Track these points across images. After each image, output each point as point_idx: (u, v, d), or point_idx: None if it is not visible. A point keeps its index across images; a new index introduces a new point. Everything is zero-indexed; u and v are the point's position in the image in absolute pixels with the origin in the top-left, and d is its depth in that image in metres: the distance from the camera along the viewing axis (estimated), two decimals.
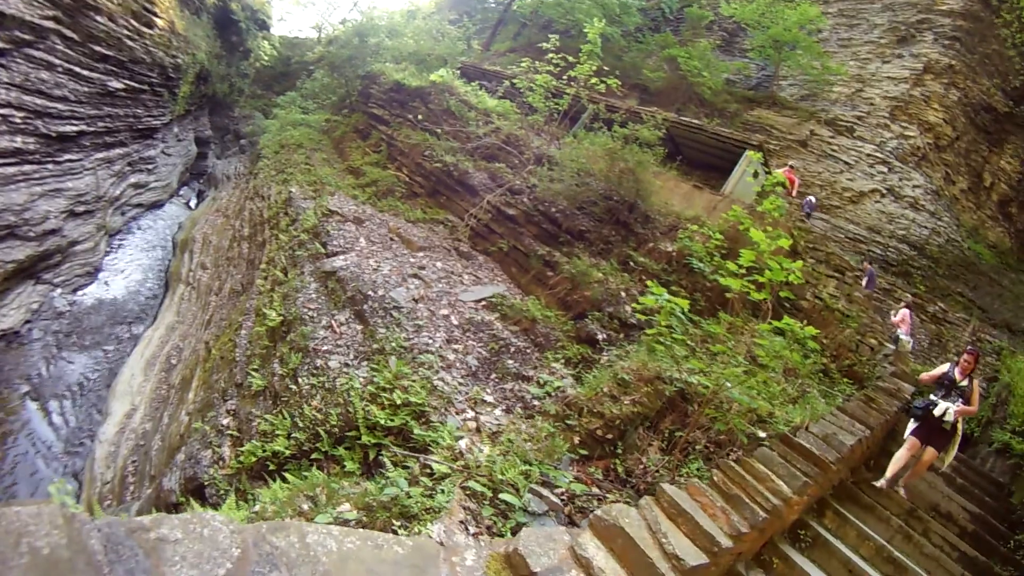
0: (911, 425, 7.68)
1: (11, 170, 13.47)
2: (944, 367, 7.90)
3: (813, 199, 18.04)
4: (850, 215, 19.81)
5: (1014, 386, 10.76)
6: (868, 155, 20.58)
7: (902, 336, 12.37)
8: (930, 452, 7.39)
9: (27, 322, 13.82)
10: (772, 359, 6.77)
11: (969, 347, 7.56)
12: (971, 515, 7.78)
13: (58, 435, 11.83)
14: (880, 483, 7.35)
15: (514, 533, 4.66)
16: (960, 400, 7.38)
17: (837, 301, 12.95)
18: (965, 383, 7.44)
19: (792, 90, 24.22)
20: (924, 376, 8.28)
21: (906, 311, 13.08)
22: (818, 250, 15.86)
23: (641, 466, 6.41)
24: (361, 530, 2.72)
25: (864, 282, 15.18)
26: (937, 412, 7.33)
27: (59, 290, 15.21)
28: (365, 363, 8.62)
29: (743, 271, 6.51)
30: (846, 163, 20.81)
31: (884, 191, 19.88)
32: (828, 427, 6.53)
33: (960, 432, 7.35)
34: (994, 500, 8.51)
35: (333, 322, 9.75)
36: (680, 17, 29.95)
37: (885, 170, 20.13)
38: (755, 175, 14.91)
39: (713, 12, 28.31)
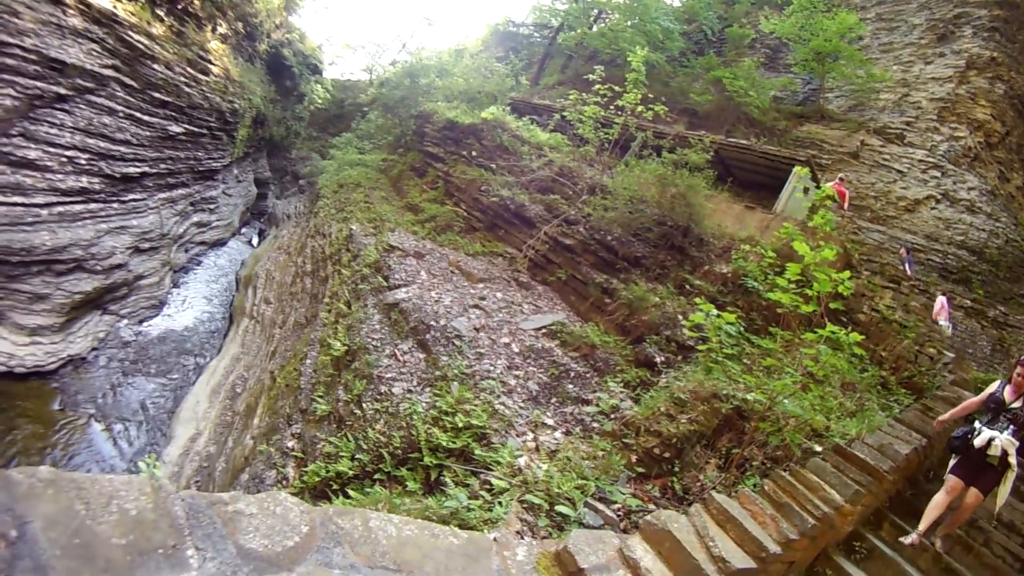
0: (951, 461, 6.19)
1: (78, 208, 14.45)
2: (993, 386, 6.32)
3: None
4: (906, 224, 19.26)
5: None
6: (920, 161, 20.07)
7: (941, 322, 12.74)
8: (973, 495, 5.85)
9: (94, 349, 14.61)
10: (826, 372, 6.75)
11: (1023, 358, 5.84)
12: None
13: (122, 456, 12.28)
14: (910, 539, 5.94)
15: None
16: (1012, 427, 5.80)
17: (894, 312, 12.65)
18: (1019, 404, 5.85)
19: (839, 102, 23.86)
20: (965, 405, 6.63)
21: (943, 299, 13.48)
22: (873, 262, 15.54)
23: (698, 483, 6.41)
24: (420, 520, 2.93)
25: (905, 266, 15.13)
26: (978, 443, 5.80)
27: (125, 320, 16.05)
28: (428, 389, 8.85)
29: (791, 285, 6.55)
30: (899, 171, 20.33)
31: (939, 196, 19.31)
32: (884, 438, 6.46)
33: (1015, 467, 5.77)
34: None
35: (396, 351, 10.06)
36: (722, 38, 29.96)
37: (938, 175, 19.59)
38: (805, 191, 14.79)
39: (754, 30, 28.32)
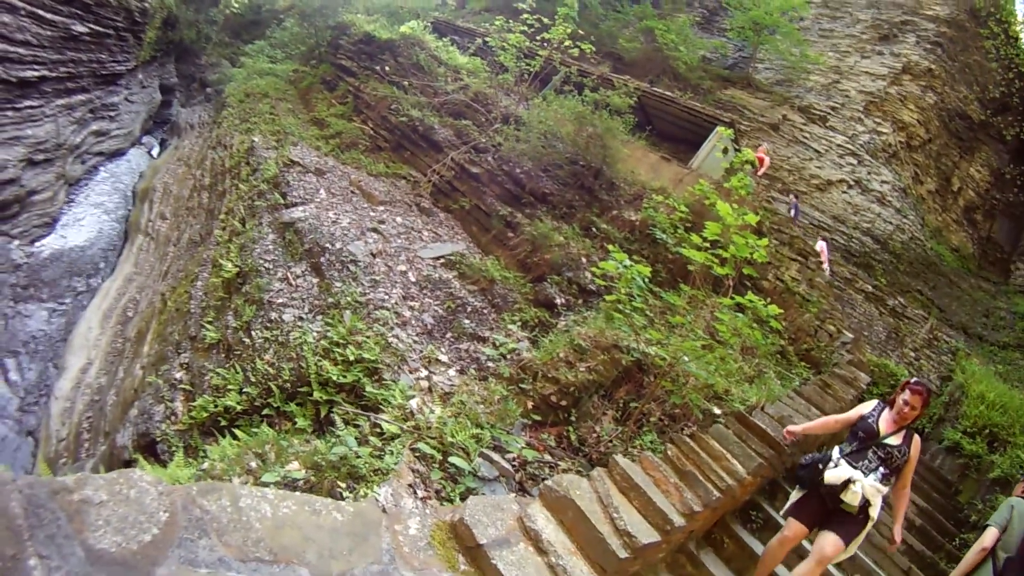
0: (793, 495, 4.84)
1: None
2: (865, 407, 4.86)
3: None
4: (816, 202, 20.00)
5: (967, 387, 10.84)
6: (839, 145, 20.73)
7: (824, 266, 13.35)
8: (830, 542, 4.32)
9: None
10: (732, 336, 6.74)
11: (914, 382, 4.52)
12: (919, 510, 7.86)
13: (14, 392, 11.49)
14: None
15: (463, 499, 4.58)
16: (882, 469, 4.39)
17: (799, 285, 13.10)
18: (896, 441, 4.45)
19: (768, 74, 24.14)
20: (825, 422, 5.29)
21: (823, 243, 14.35)
22: (783, 232, 16.04)
23: (594, 435, 6.43)
24: (298, 494, 2.62)
25: (792, 213, 15.88)
26: (830, 478, 4.42)
27: (16, 241, 14.62)
28: (320, 317, 8.51)
29: (707, 244, 6.49)
30: (816, 151, 20.94)
31: (852, 182, 20.07)
32: (784, 409, 6.50)
33: (874, 519, 4.41)
34: (942, 497, 8.68)
35: (289, 274, 9.59)
36: None
37: (855, 162, 20.31)
38: (724, 151, 14.96)
39: None
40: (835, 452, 4.64)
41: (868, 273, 18.28)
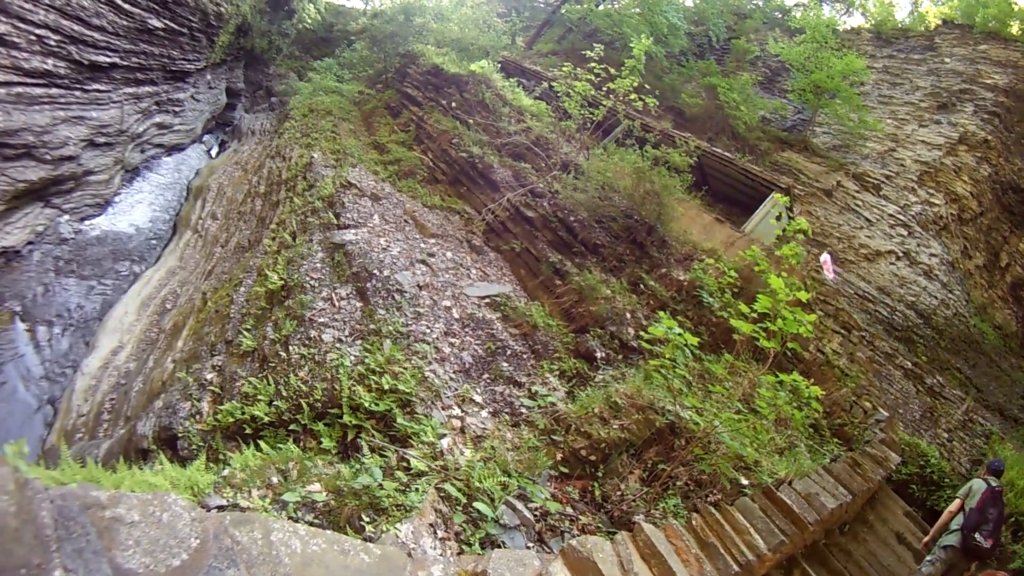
0: None
1: (38, 91, 13.33)
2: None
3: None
4: (863, 272, 19.61)
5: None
6: (890, 215, 20.42)
7: (827, 275, 13.60)
8: None
9: (29, 243, 13.69)
10: (769, 410, 6.63)
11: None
12: None
13: (42, 360, 11.67)
14: None
15: (483, 545, 4.57)
16: None
17: (839, 358, 12.79)
18: None
19: (825, 138, 24.05)
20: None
21: (827, 255, 14.19)
22: (828, 304, 15.68)
23: (619, 492, 6.31)
24: (328, 533, 2.61)
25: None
26: None
27: (67, 216, 15.06)
28: (359, 342, 8.49)
29: (755, 315, 6.40)
30: (867, 220, 20.65)
31: (900, 254, 19.69)
32: (812, 486, 6.44)
33: None
34: None
35: (333, 295, 9.63)
36: (726, 48, 29.89)
37: (905, 233, 19.97)
38: (778, 218, 14.80)
39: (760, 48, 28.32)
40: None
41: (909, 348, 17.77)
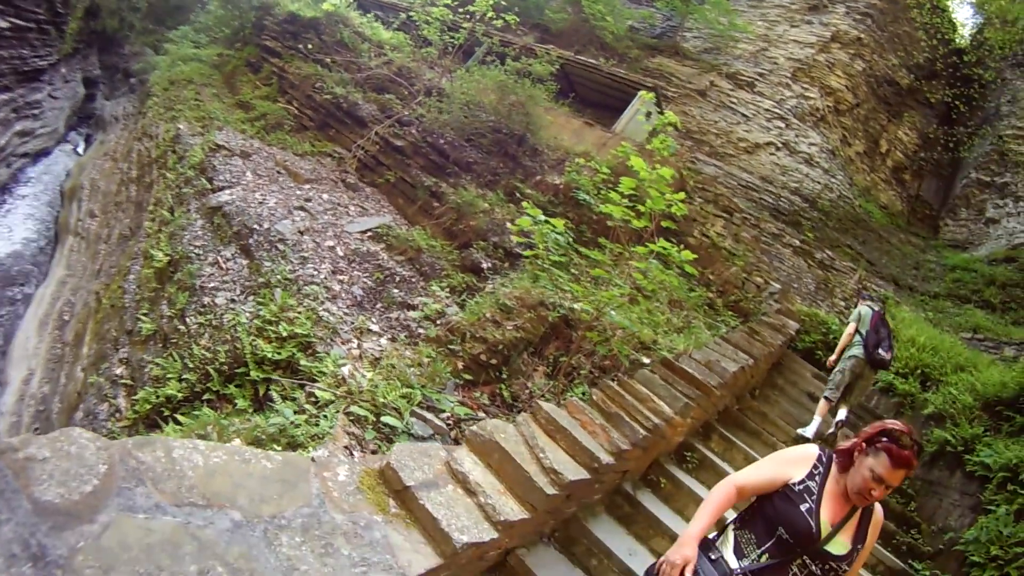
0: None
1: None
2: (798, 460, 2.70)
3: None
4: (744, 164, 20.46)
5: (897, 332, 11.36)
6: (766, 110, 21.18)
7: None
8: None
9: None
10: (655, 287, 6.97)
11: (899, 438, 2.41)
12: None
13: None
14: None
15: None
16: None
17: (724, 240, 13.52)
18: (843, 546, 2.49)
19: (696, 42, 24.38)
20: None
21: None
22: (707, 190, 16.53)
23: (527, 391, 6.63)
24: (228, 445, 2.72)
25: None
26: None
27: None
28: (251, 298, 8.58)
29: (624, 199, 6.75)
30: (743, 115, 21.38)
31: (779, 145, 20.56)
32: (711, 354, 6.64)
33: None
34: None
35: (219, 258, 9.63)
36: None
37: (782, 126, 20.82)
38: (648, 115, 15.36)
39: None
40: (726, 554, 2.66)
41: (797, 230, 18.86)
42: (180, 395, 7.24)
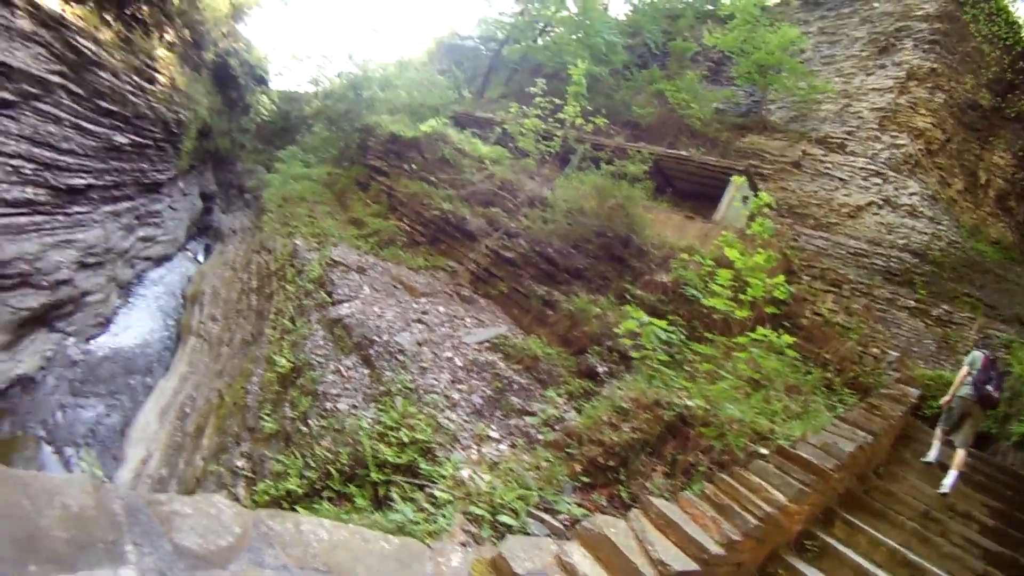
0: None
1: (23, 220, 13.83)
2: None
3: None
4: (850, 230, 19.80)
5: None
6: (861, 168, 20.65)
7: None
8: None
9: (42, 369, 14.03)
10: (768, 375, 6.85)
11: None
12: (991, 511, 7.57)
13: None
14: None
15: None
16: None
17: (836, 315, 12.98)
18: None
19: (781, 113, 24.33)
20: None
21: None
22: (813, 267, 16.03)
23: (645, 491, 6.44)
24: (351, 526, 2.93)
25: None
26: None
27: (72, 339, 15.37)
28: (373, 404, 8.87)
29: (725, 290, 6.73)
30: (840, 179, 20.87)
31: (881, 202, 19.85)
32: (828, 437, 6.47)
33: None
34: (1015, 493, 8.33)
35: (341, 367, 10.05)
36: (665, 52, 30.10)
37: (880, 181, 20.18)
38: (744, 200, 15.28)
39: (697, 43, 28.54)
40: None
41: (910, 289, 17.84)
42: (300, 490, 7.45)
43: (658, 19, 30.67)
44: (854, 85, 22.69)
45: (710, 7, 31.57)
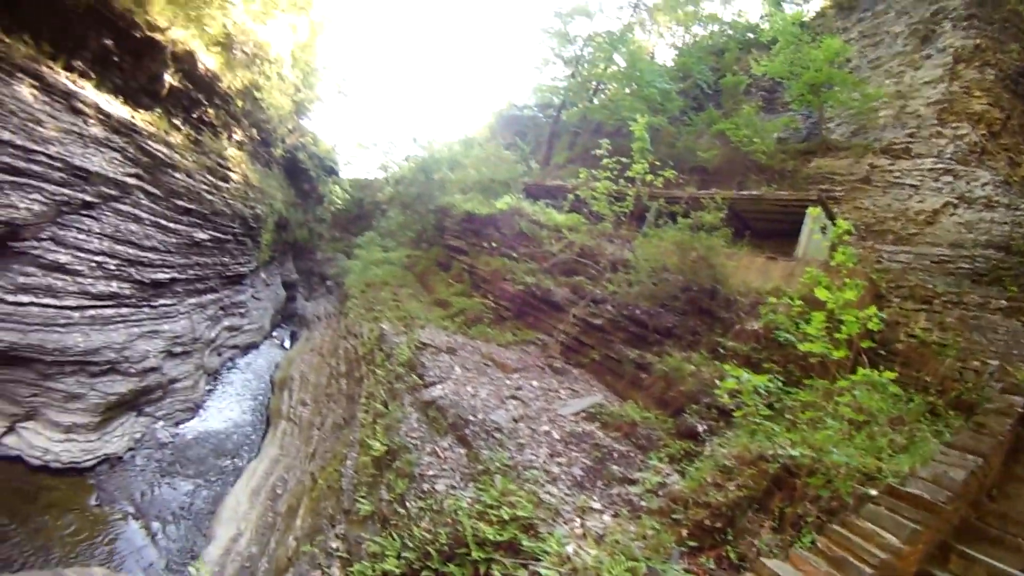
0: None
1: (109, 311, 14.91)
2: None
3: None
4: (930, 238, 18.60)
5: None
6: (930, 170, 19.62)
7: None
8: None
9: (130, 449, 14.83)
10: (867, 415, 6.61)
11: None
12: None
13: (161, 554, 12.33)
14: None
15: None
16: None
17: (931, 333, 12.21)
18: None
19: (841, 129, 23.58)
20: None
21: None
22: (901, 286, 15.08)
23: (754, 549, 6.32)
24: None
25: None
26: None
27: (161, 422, 16.29)
28: (471, 484, 8.80)
29: (822, 332, 6.52)
30: (912, 186, 19.80)
31: (956, 201, 18.71)
32: (937, 468, 6.21)
33: None
34: None
35: (437, 448, 10.05)
36: (718, 89, 30.03)
37: (951, 179, 19.08)
38: (823, 230, 14.71)
39: (747, 75, 28.47)
40: None
41: (1000, 288, 16.35)
42: (398, 571, 7.40)
43: (704, 58, 30.83)
44: (905, 83, 21.99)
45: (751, 35, 31.48)
